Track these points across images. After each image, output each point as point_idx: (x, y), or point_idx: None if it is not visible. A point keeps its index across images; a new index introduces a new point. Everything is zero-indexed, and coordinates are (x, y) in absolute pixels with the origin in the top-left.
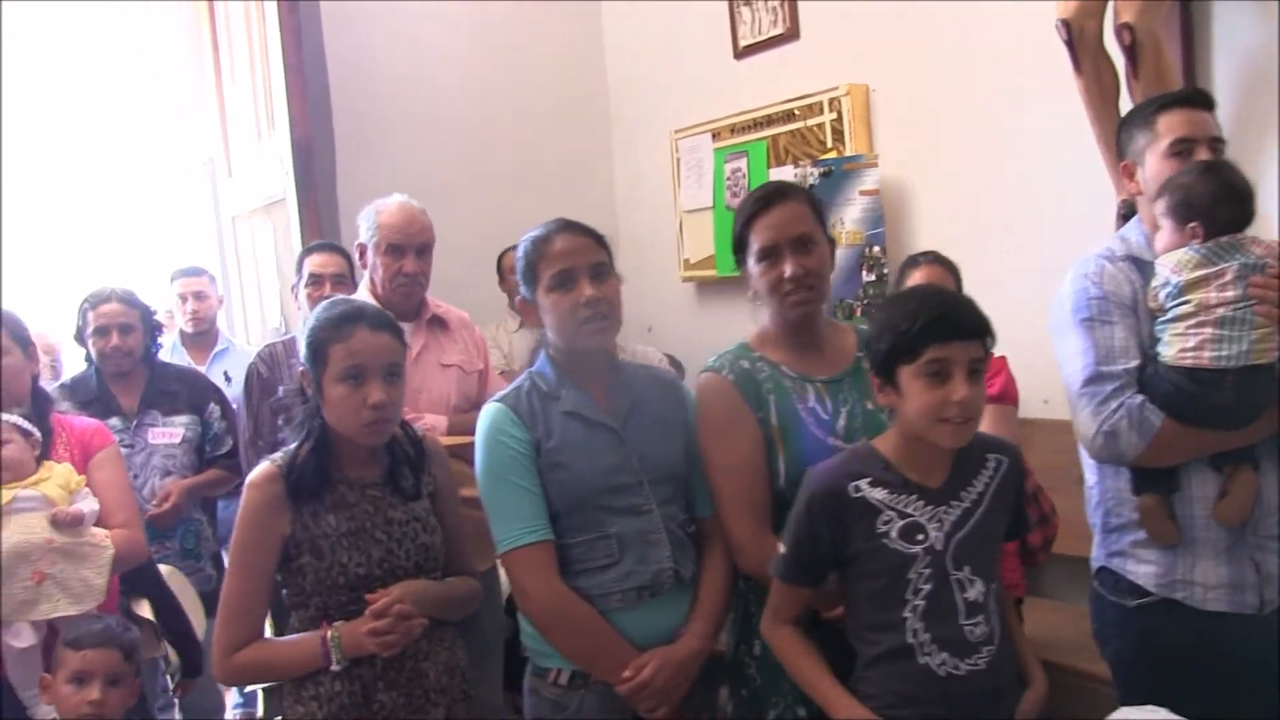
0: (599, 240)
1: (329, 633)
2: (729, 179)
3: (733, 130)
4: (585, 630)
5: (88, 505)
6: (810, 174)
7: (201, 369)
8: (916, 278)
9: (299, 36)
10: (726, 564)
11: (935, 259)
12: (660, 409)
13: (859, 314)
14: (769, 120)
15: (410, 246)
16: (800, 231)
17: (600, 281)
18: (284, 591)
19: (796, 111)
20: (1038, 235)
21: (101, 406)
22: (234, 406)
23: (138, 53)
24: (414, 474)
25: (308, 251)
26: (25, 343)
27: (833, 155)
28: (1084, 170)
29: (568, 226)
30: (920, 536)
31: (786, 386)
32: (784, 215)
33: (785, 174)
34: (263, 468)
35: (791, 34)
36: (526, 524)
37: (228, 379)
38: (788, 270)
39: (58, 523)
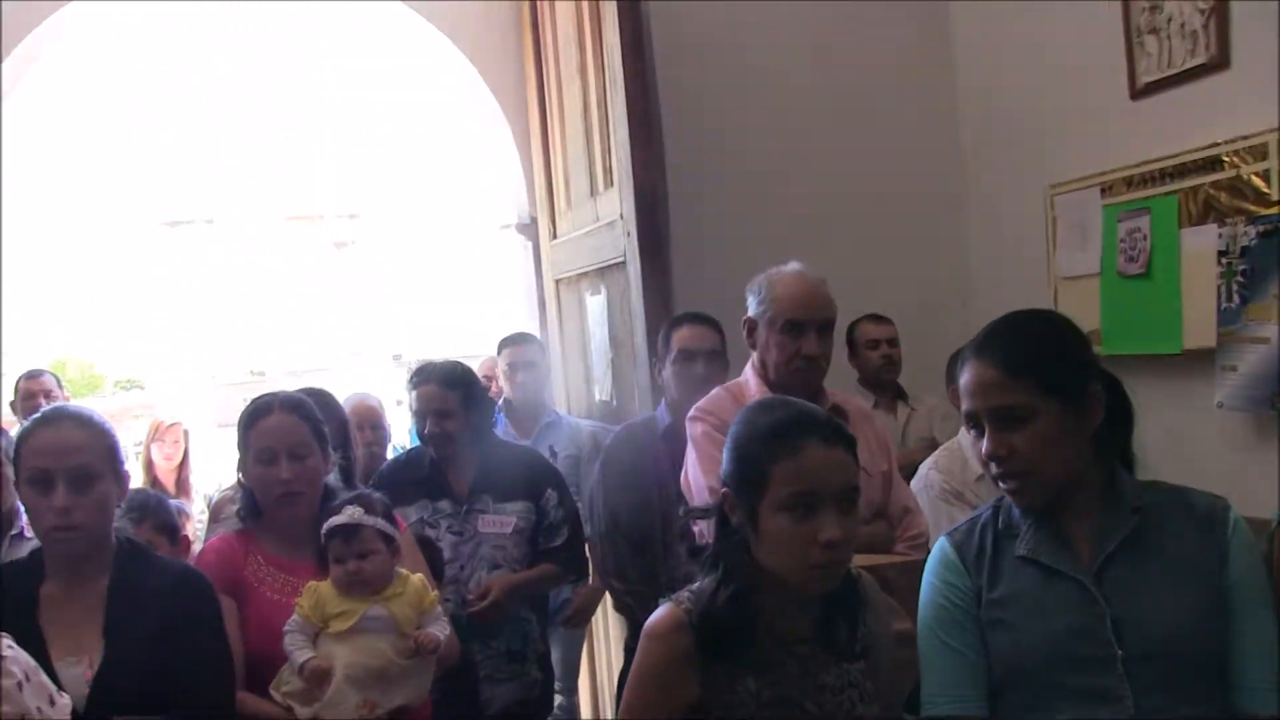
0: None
1: None
2: (1123, 241)
3: (1129, 184)
4: None
5: (440, 629)
6: (1244, 234)
7: (527, 443)
8: None
9: (644, 81)
10: None
11: None
12: (1176, 551)
13: None
14: (1181, 170)
15: (812, 323)
16: None
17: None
18: None
19: (1225, 158)
20: None
21: (432, 488)
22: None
23: (451, 110)
24: (850, 627)
25: (676, 323)
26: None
27: (1277, 211)
28: None
29: None
30: None
31: None
32: None
33: (1206, 234)
34: (666, 614)
35: (1218, 63)
36: (951, 692)
37: (553, 453)
38: None
39: (420, 650)
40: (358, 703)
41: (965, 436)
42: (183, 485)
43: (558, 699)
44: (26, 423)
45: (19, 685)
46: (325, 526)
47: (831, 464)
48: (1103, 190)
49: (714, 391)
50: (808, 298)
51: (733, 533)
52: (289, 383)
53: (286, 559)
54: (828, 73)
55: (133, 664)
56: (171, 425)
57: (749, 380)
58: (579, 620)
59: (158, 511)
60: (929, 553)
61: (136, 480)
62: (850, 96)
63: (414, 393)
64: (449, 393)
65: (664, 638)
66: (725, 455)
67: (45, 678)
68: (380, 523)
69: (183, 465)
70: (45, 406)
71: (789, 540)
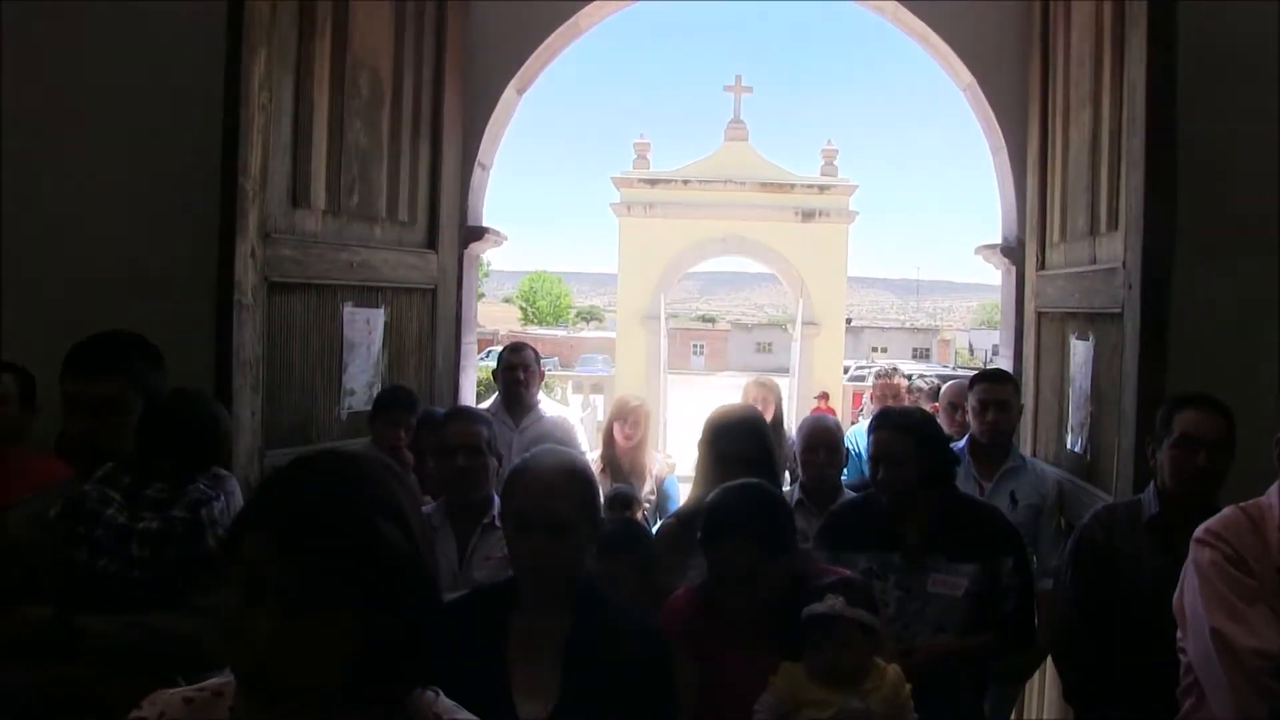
0: None
1: None
2: None
3: None
4: None
5: None
6: None
7: (988, 485)
8: None
9: (1169, 124)
10: None
11: None
12: None
13: None
14: None
15: None
16: None
17: None
18: None
19: None
20: None
21: (883, 538)
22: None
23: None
24: None
25: (1181, 403)
26: None
27: None
28: None
29: None
30: None
31: None
32: None
33: None
34: None
35: None
36: None
37: (1013, 500)
38: None
39: None
40: None
41: None
42: (635, 466)
43: None
44: (517, 461)
45: None
46: (805, 613)
47: None
48: None
49: (1227, 511)
50: None
51: None
52: (740, 338)
53: (748, 623)
54: None
55: (586, 714)
56: (636, 406)
57: (1274, 506)
58: (1015, 679)
59: (630, 547)
60: None
61: (593, 454)
62: None
63: (870, 437)
64: (903, 438)
65: None
66: None
67: None
68: (861, 614)
69: (640, 445)
70: (521, 379)
71: None
